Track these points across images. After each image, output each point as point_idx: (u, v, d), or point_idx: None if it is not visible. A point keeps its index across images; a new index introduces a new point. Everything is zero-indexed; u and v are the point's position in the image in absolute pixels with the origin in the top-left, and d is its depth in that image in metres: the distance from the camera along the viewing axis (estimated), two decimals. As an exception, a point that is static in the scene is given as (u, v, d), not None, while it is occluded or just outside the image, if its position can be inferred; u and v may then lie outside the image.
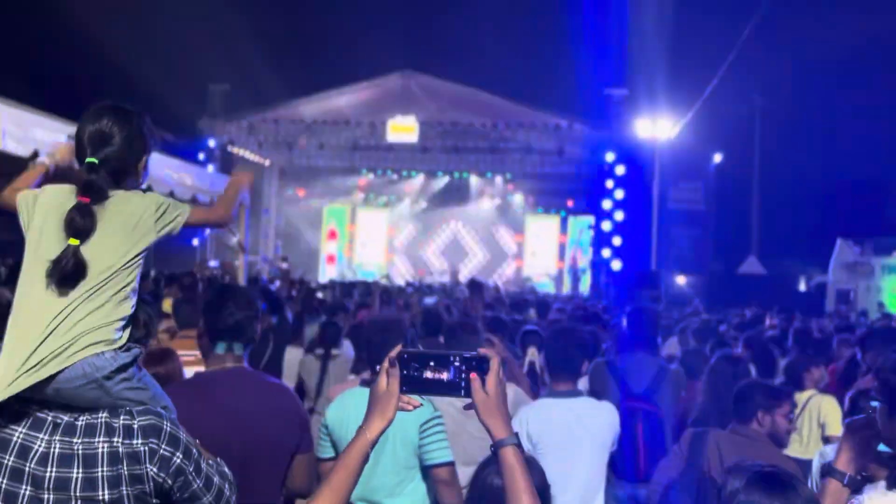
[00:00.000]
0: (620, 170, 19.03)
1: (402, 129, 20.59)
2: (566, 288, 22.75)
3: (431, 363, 1.50)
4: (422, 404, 1.54)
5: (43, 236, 1.73)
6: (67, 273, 1.66)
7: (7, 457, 1.65)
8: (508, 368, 5.28)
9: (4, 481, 1.64)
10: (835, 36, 24.31)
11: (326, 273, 24.01)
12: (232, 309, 2.49)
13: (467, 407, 1.50)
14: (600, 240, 19.56)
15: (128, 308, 1.77)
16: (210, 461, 1.86)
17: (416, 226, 25.66)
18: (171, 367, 3.09)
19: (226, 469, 1.92)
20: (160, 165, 8.66)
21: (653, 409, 4.06)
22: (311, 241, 25.50)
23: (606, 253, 19.11)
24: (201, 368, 3.32)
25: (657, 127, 18.51)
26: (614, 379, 4.17)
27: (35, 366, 1.62)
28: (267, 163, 23.45)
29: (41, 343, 1.63)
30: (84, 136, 1.80)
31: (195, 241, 17.32)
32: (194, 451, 1.80)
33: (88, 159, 1.77)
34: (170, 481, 1.72)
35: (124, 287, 1.75)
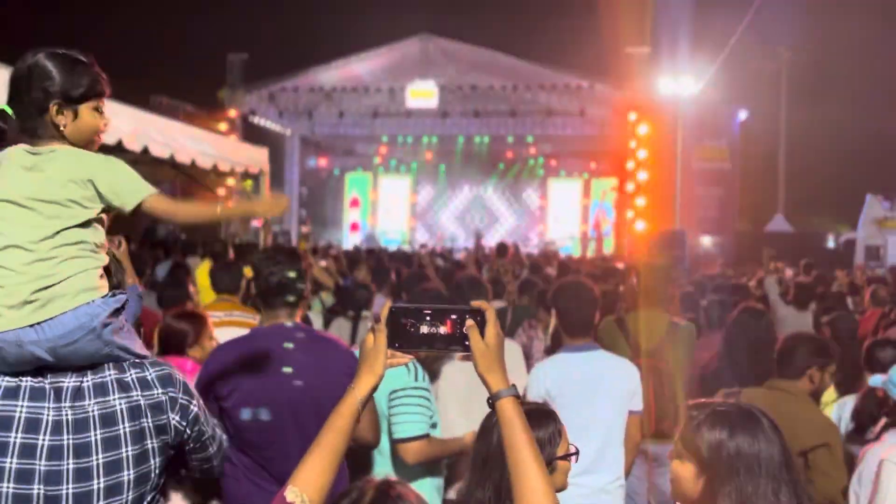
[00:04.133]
0: (643, 130, 18.75)
1: (422, 94, 20.46)
2: (590, 251, 22.68)
3: (427, 318, 1.48)
4: (410, 360, 1.55)
5: None
6: None
7: (13, 434, 1.57)
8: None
9: (14, 460, 1.56)
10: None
11: (350, 241, 24.19)
12: (276, 269, 2.56)
13: (464, 359, 1.49)
14: (625, 200, 19.36)
15: (102, 259, 1.73)
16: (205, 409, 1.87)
17: (437, 191, 25.66)
18: (190, 325, 3.19)
19: (216, 422, 1.94)
20: (181, 135, 8.75)
21: (662, 365, 4.08)
22: (334, 210, 25.66)
23: (630, 214, 18.94)
24: (233, 329, 3.43)
25: (679, 84, 18.16)
26: (624, 336, 4.20)
27: (34, 303, 1.59)
28: (288, 132, 23.51)
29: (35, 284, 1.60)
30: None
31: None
32: (200, 400, 1.81)
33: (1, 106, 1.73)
34: (189, 430, 1.73)
35: (86, 241, 1.69)
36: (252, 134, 20.11)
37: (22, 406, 1.59)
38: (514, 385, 1.46)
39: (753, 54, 23.85)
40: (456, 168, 25.11)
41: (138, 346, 1.74)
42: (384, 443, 2.84)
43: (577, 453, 2.00)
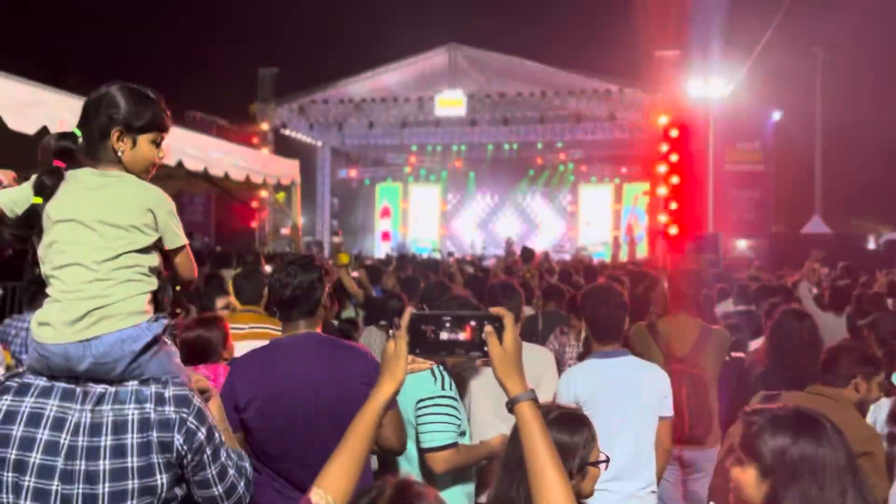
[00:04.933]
0: (674, 133, 18.55)
1: (450, 103, 20.51)
2: (623, 256, 22.46)
3: (447, 324, 1.50)
4: (431, 366, 1.56)
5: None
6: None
7: (41, 431, 1.65)
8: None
9: (38, 455, 1.64)
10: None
11: (382, 250, 24.32)
12: (288, 279, 2.58)
13: (484, 364, 1.53)
14: (657, 205, 19.15)
15: (154, 283, 1.82)
16: (232, 453, 1.85)
17: (467, 199, 25.70)
18: (214, 333, 3.22)
19: (247, 465, 1.90)
20: (215, 149, 8.91)
21: (696, 371, 4.03)
22: (365, 220, 25.84)
23: (663, 218, 18.73)
24: (255, 342, 3.46)
25: (710, 86, 17.94)
26: (656, 342, 4.16)
27: (81, 320, 1.68)
28: (319, 143, 23.77)
29: (86, 303, 1.69)
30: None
31: (254, 224, 17.79)
32: (217, 435, 1.79)
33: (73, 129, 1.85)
34: (189, 456, 1.72)
35: (142, 265, 1.78)
36: (283, 146, 20.39)
37: (52, 405, 1.68)
38: (532, 389, 1.48)
39: (786, 54, 23.47)
40: (486, 176, 25.12)
41: (174, 367, 1.79)
42: (412, 450, 2.84)
43: (607, 460, 1.99)
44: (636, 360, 3.34)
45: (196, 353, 3.16)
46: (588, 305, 3.37)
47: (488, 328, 1.49)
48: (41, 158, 1.84)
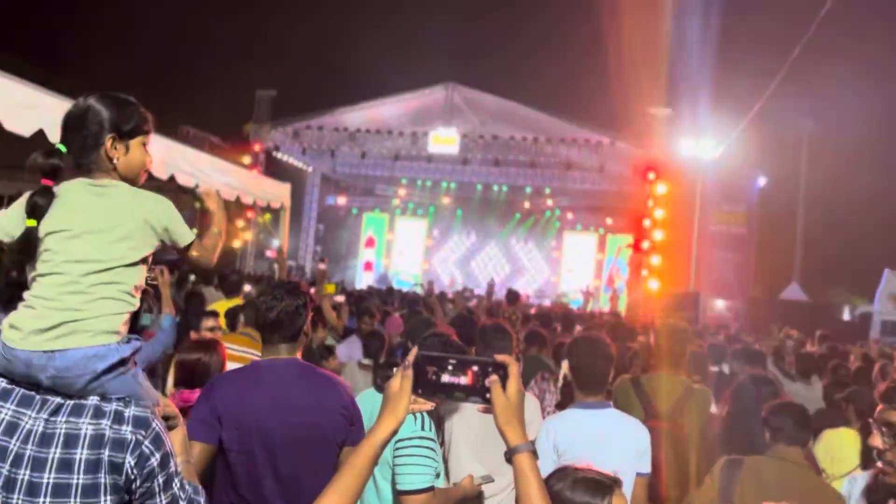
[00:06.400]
0: (661, 189, 18.82)
1: (444, 140, 20.70)
2: (604, 306, 22.54)
3: (450, 367, 1.49)
4: (432, 407, 1.56)
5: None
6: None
7: None
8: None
9: None
10: (887, 62, 23.76)
11: (364, 280, 24.22)
12: (273, 303, 2.59)
13: (485, 411, 1.50)
14: (640, 259, 19.31)
15: (134, 304, 1.77)
16: (187, 485, 1.77)
17: (453, 236, 25.77)
18: (214, 358, 3.21)
19: (201, 501, 1.80)
20: (208, 166, 8.88)
21: (676, 429, 4.01)
22: (349, 248, 25.79)
23: (644, 272, 18.88)
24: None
25: (700, 147, 18.28)
26: (639, 397, 4.15)
27: (50, 330, 1.64)
28: (310, 169, 23.80)
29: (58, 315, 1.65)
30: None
31: (237, 244, 17.67)
32: (172, 464, 1.71)
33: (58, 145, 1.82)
34: (138, 482, 1.64)
35: (125, 283, 1.74)
36: (274, 169, 20.39)
37: (9, 409, 1.63)
38: (532, 441, 1.48)
39: (775, 121, 24.01)
40: (473, 215, 25.25)
41: (140, 389, 1.73)
42: (386, 490, 2.81)
43: None
44: (617, 413, 3.32)
45: (194, 376, 3.15)
46: (574, 355, 3.36)
47: (493, 376, 1.48)
48: (28, 178, 1.81)
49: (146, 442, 1.64)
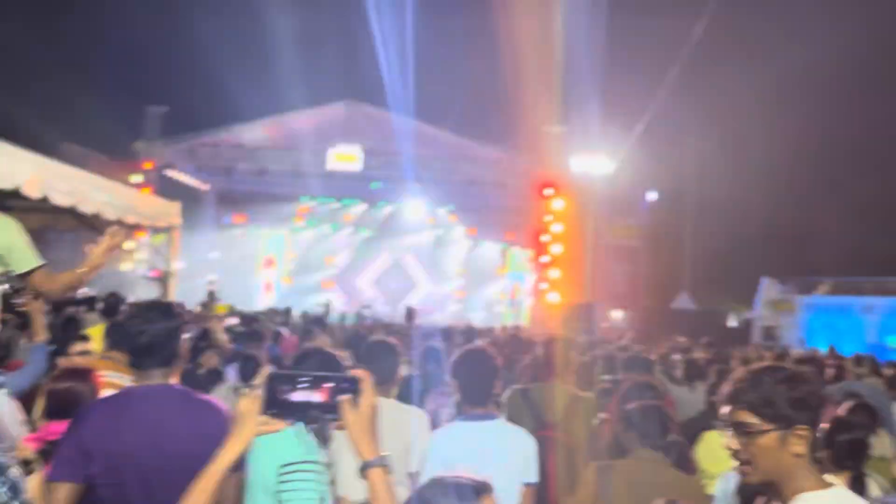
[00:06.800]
0: (558, 204, 19.42)
1: (346, 157, 20.60)
2: (507, 319, 22.92)
3: (303, 385, 1.45)
4: (286, 427, 1.52)
5: None
6: None
7: None
8: None
9: None
10: (772, 82, 25.54)
11: (263, 301, 23.60)
12: (145, 326, 2.46)
13: (339, 428, 1.48)
14: (540, 272, 19.83)
15: None
16: None
17: (356, 255, 25.55)
18: (87, 386, 3.03)
19: None
20: (87, 185, 8.43)
21: (565, 437, 4.10)
22: (246, 269, 25.06)
23: (544, 285, 19.38)
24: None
25: (594, 164, 19.00)
26: (528, 407, 4.22)
27: None
28: (206, 187, 23.06)
29: None
30: None
31: (125, 266, 16.85)
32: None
33: None
34: None
35: None
36: (168, 188, 19.62)
37: None
38: (384, 455, 1.47)
39: (664, 139, 25.26)
40: (377, 233, 25.14)
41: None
42: None
43: None
44: (504, 424, 3.37)
45: (65, 407, 2.91)
46: (459, 368, 3.38)
47: (343, 390, 1.46)
48: None
49: (3, 489, 1.56)
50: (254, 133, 20.68)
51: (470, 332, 8.66)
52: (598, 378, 6.30)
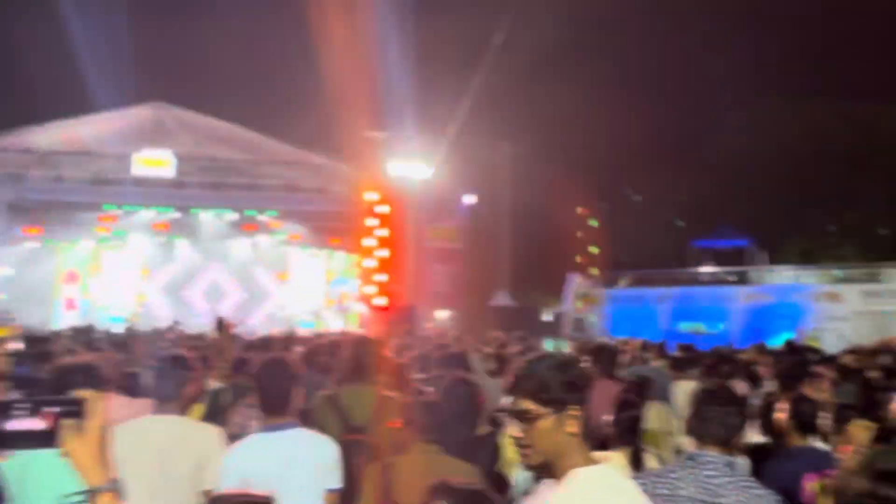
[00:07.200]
0: (382, 209, 19.61)
1: (154, 162, 19.42)
2: (335, 325, 22.72)
3: (18, 412, 1.32)
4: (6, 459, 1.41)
5: None
6: None
7: None
8: None
9: None
10: (580, 89, 27.46)
11: (66, 320, 21.57)
12: None
13: (66, 455, 1.37)
14: (365, 277, 19.91)
15: None
16: None
17: (169, 266, 24.10)
18: None
19: None
20: None
21: (374, 440, 4.14)
22: (45, 285, 22.78)
23: (370, 290, 19.48)
24: None
25: (412, 169, 19.40)
26: (335, 412, 4.21)
27: None
28: (-8, 196, 20.70)
29: None
30: None
31: None
32: None
33: None
34: None
35: None
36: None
37: None
38: (114, 479, 1.40)
39: (480, 144, 26.32)
40: (192, 241, 23.85)
41: None
42: None
43: None
44: (304, 432, 3.34)
45: None
46: (257, 378, 3.32)
47: (65, 415, 1.37)
48: None
49: None
50: (48, 137, 18.88)
51: (289, 341, 8.46)
52: (412, 378, 6.43)
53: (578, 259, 30.41)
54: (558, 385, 1.94)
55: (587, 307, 21.06)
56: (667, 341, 12.11)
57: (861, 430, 3.16)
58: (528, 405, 1.95)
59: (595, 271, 27.27)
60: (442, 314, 21.66)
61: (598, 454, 3.92)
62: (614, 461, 4.09)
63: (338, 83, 18.96)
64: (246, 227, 23.90)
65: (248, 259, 24.33)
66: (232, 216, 23.31)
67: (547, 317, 24.09)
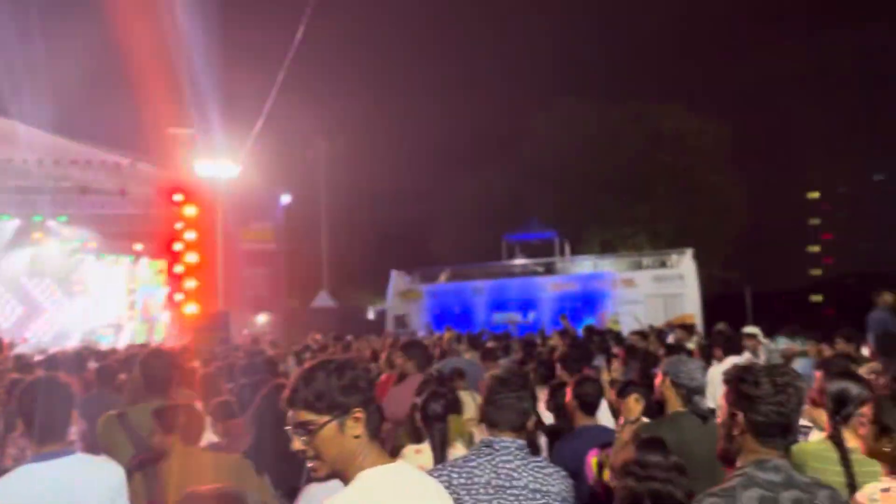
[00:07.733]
0: (190, 211, 18.55)
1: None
2: (140, 337, 21.10)
3: None
4: None
5: None
6: None
7: None
8: None
9: None
10: (395, 92, 27.61)
11: None
12: None
13: None
14: (174, 283, 18.76)
15: None
16: None
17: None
18: None
19: None
20: None
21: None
22: None
23: (180, 297, 18.38)
24: None
25: (219, 167, 18.54)
26: (126, 432, 3.88)
27: None
28: None
29: None
30: None
31: None
32: None
33: None
34: None
35: None
36: None
37: None
38: None
39: (294, 142, 25.74)
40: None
41: None
42: None
43: None
44: (82, 457, 3.02)
45: None
46: (19, 402, 2.95)
47: None
48: None
49: None
50: None
51: (81, 358, 7.71)
52: (221, 387, 6.12)
53: (396, 257, 30.79)
54: (336, 390, 1.88)
55: (408, 303, 21.32)
56: (484, 332, 12.62)
57: (634, 404, 3.43)
58: (307, 416, 1.88)
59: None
60: (260, 318, 20.91)
61: (407, 448, 3.94)
62: (423, 454, 4.14)
63: (139, 77, 17.66)
64: (32, 233, 21.49)
65: (35, 269, 21.86)
66: (16, 223, 20.85)
67: (370, 315, 24.15)
